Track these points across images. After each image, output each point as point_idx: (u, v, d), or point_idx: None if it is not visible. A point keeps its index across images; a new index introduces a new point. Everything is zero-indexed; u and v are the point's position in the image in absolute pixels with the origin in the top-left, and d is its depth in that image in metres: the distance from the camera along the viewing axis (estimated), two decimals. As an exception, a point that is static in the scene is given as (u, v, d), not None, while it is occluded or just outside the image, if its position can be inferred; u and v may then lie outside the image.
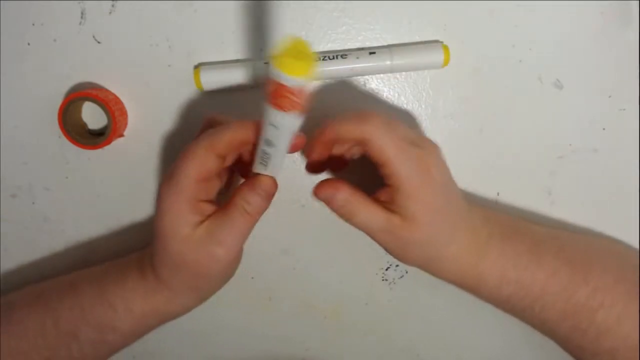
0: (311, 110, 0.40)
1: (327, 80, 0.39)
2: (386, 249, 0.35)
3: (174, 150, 0.40)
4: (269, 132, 0.27)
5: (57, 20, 0.38)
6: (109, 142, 0.38)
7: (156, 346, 0.45)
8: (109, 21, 0.38)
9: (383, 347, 0.44)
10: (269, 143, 0.28)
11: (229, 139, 0.31)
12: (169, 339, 0.45)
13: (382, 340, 0.45)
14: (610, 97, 0.39)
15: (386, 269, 0.43)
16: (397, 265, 0.43)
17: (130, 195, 0.41)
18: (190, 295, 0.36)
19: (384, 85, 0.40)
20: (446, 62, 0.37)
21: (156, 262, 0.34)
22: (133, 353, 0.45)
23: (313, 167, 0.36)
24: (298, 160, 0.41)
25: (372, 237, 0.34)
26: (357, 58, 0.37)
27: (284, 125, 0.26)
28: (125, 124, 0.40)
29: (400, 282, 0.44)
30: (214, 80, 0.37)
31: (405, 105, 0.40)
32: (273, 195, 0.33)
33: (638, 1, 0.38)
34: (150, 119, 0.40)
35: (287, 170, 0.41)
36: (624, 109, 0.40)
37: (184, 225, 0.31)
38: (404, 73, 0.39)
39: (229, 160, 0.33)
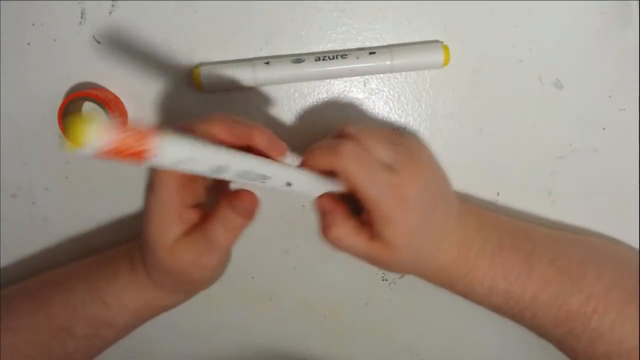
0: (313, 111, 0.40)
1: (327, 80, 0.39)
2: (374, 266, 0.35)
3: (174, 150, 0.40)
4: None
5: (57, 20, 0.38)
6: (109, 142, 0.38)
7: (156, 346, 0.45)
8: (109, 21, 0.38)
9: (383, 347, 0.45)
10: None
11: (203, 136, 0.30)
12: (169, 339, 0.45)
13: (382, 340, 0.45)
14: (610, 97, 0.39)
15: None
16: (397, 265, 0.43)
17: (130, 195, 0.41)
18: (180, 294, 0.37)
19: (384, 85, 0.40)
20: (446, 62, 0.37)
21: (146, 261, 0.34)
22: (133, 353, 0.45)
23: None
24: (298, 160, 0.41)
25: (357, 258, 0.34)
26: (357, 58, 0.37)
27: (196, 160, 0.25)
28: (125, 124, 0.39)
29: (400, 282, 0.44)
30: (213, 80, 0.37)
31: (405, 105, 0.40)
32: (254, 212, 0.33)
33: (638, 1, 0.38)
34: (150, 119, 0.40)
35: (287, 170, 0.41)
36: (624, 109, 0.40)
37: (168, 236, 0.31)
38: (404, 73, 0.39)
39: None
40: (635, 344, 0.34)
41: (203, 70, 0.37)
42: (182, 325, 0.45)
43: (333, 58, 0.37)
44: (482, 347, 0.46)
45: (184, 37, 0.38)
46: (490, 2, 0.38)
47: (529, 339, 0.45)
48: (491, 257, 0.35)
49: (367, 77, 0.39)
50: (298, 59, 0.37)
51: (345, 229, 0.33)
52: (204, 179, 0.33)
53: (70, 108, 0.38)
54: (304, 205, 0.42)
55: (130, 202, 0.42)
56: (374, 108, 0.40)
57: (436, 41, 0.38)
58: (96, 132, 0.21)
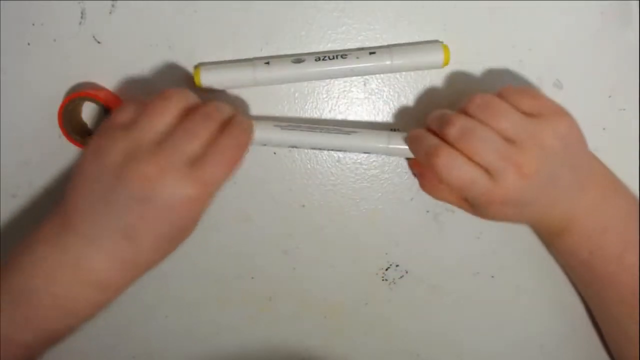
0: (314, 111, 0.40)
1: (327, 80, 0.39)
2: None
3: (174, 150, 0.40)
4: None
5: (57, 20, 0.38)
6: (109, 142, 0.38)
7: (156, 346, 0.45)
8: (109, 21, 0.38)
9: (383, 347, 0.44)
10: None
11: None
12: (168, 340, 0.45)
13: (382, 340, 0.45)
14: (610, 97, 0.39)
15: (386, 269, 0.43)
16: (397, 265, 0.43)
17: (130, 195, 0.41)
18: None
19: (384, 85, 0.40)
20: (446, 62, 0.37)
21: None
22: (133, 353, 0.45)
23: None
24: (298, 160, 0.41)
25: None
26: (357, 58, 0.37)
27: None
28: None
29: (400, 282, 0.44)
30: (213, 79, 0.37)
31: (405, 105, 0.40)
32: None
33: (638, 1, 0.38)
34: (150, 119, 0.40)
35: (287, 170, 0.41)
36: (624, 109, 0.40)
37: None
38: (404, 73, 0.39)
39: None
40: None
41: (203, 70, 0.37)
42: (182, 325, 0.45)
43: (333, 58, 0.37)
44: (482, 347, 0.45)
45: (184, 37, 0.38)
46: (490, 2, 0.38)
47: (529, 339, 0.45)
48: (599, 233, 0.35)
49: (367, 77, 0.39)
50: (298, 59, 0.37)
51: (438, 192, 0.38)
52: None
53: (70, 108, 0.38)
54: (303, 205, 0.42)
55: (130, 202, 0.42)
56: (374, 108, 0.40)
57: (436, 41, 0.38)
58: None
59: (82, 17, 0.38)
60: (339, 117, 0.40)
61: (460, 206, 0.37)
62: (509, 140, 0.31)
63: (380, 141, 0.38)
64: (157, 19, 0.38)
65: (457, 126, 0.32)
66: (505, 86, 0.33)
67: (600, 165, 0.37)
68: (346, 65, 0.37)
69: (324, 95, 0.40)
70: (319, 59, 0.37)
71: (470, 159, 0.31)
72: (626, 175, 0.41)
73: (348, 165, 0.41)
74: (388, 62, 0.37)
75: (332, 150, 0.40)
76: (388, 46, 0.38)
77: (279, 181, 0.41)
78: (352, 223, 0.42)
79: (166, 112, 0.31)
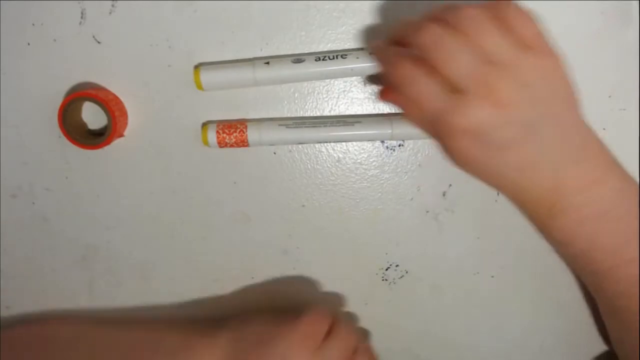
0: (314, 110, 0.40)
1: (327, 80, 0.39)
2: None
3: (174, 150, 0.40)
4: None
5: (57, 20, 0.38)
6: (109, 142, 0.38)
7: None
8: (109, 21, 0.38)
9: (383, 347, 0.44)
10: None
11: None
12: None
13: (382, 340, 0.45)
14: (610, 97, 0.39)
15: (386, 269, 0.43)
16: (397, 265, 0.43)
17: (130, 195, 0.41)
18: None
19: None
20: None
21: None
22: (133, 353, 0.45)
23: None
24: (298, 160, 0.41)
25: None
26: (357, 58, 0.37)
27: None
28: (125, 124, 0.40)
29: (400, 282, 0.44)
30: (214, 80, 0.37)
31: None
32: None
33: (638, 1, 0.38)
34: (150, 119, 0.40)
35: (287, 170, 0.41)
36: (624, 109, 0.40)
37: None
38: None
39: None
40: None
41: (203, 70, 0.37)
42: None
43: (333, 58, 0.37)
44: (482, 347, 0.45)
45: (184, 37, 0.38)
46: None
47: (528, 339, 0.45)
48: (595, 217, 0.31)
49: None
50: (298, 59, 0.37)
51: (407, 112, 0.31)
52: None
53: (70, 108, 0.38)
54: (303, 205, 0.42)
55: (130, 202, 0.42)
56: (374, 108, 0.40)
57: None
58: None
59: (82, 17, 0.38)
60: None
61: (431, 135, 0.31)
62: (487, 61, 0.27)
63: (384, 127, 0.38)
64: (157, 19, 0.38)
65: (429, 34, 0.27)
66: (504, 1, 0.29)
67: (597, 140, 0.32)
68: (346, 65, 0.37)
69: (324, 95, 0.40)
70: (319, 59, 0.37)
71: (437, 72, 0.27)
72: (626, 175, 0.41)
73: (348, 165, 0.41)
74: None
75: (338, 142, 0.40)
76: None
77: (279, 181, 0.41)
78: (352, 223, 0.42)
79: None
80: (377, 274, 0.44)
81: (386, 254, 0.43)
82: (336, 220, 0.42)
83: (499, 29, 0.27)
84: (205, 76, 0.37)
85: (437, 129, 0.29)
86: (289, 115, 0.40)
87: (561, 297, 0.44)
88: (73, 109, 0.38)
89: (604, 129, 0.40)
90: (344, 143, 0.41)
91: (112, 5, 0.37)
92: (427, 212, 0.42)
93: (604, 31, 0.38)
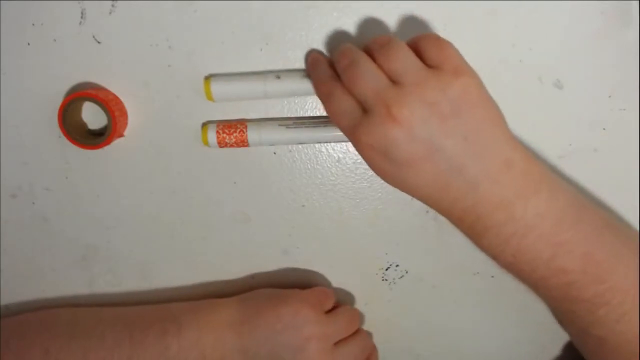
0: (312, 109, 0.40)
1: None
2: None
3: (174, 150, 0.40)
4: None
5: (57, 20, 0.38)
6: (109, 142, 0.38)
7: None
8: (109, 21, 0.38)
9: (383, 347, 0.44)
10: None
11: None
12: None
13: (382, 340, 0.45)
14: (610, 97, 0.39)
15: (386, 269, 0.43)
16: (397, 265, 0.43)
17: (130, 195, 0.41)
18: None
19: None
20: None
21: None
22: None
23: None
24: (298, 160, 0.41)
25: None
26: None
27: None
28: (125, 124, 0.40)
29: (400, 282, 0.44)
30: (224, 91, 0.38)
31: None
32: None
33: (638, 1, 0.38)
34: (150, 119, 0.40)
35: (287, 170, 0.41)
36: (624, 109, 0.40)
37: None
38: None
39: None
40: (635, 337, 0.32)
41: (213, 82, 0.37)
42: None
43: None
44: (482, 347, 0.46)
45: (184, 37, 0.38)
46: (490, 2, 0.38)
47: (529, 339, 0.45)
48: (519, 236, 0.31)
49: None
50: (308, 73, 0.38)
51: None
52: None
53: (70, 108, 0.38)
54: (303, 205, 0.42)
55: (130, 202, 0.42)
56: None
57: None
58: None
59: (82, 17, 0.38)
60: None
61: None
62: (394, 82, 0.30)
63: None
64: (157, 19, 0.38)
65: (345, 56, 0.31)
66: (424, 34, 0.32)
67: (523, 156, 0.32)
68: None
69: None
70: None
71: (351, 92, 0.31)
72: (626, 175, 0.41)
73: (348, 165, 0.41)
74: None
75: (338, 142, 0.40)
76: None
77: (279, 181, 0.41)
78: (352, 223, 0.42)
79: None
80: (377, 274, 0.44)
81: (386, 254, 0.43)
82: (336, 220, 0.42)
83: (409, 53, 0.30)
84: (216, 87, 0.37)
85: (352, 142, 0.32)
86: (289, 115, 0.40)
87: (561, 297, 0.44)
88: (73, 109, 0.38)
89: (604, 129, 0.40)
90: (344, 143, 0.41)
91: (112, 5, 0.37)
92: (427, 212, 0.42)
93: (604, 31, 0.38)
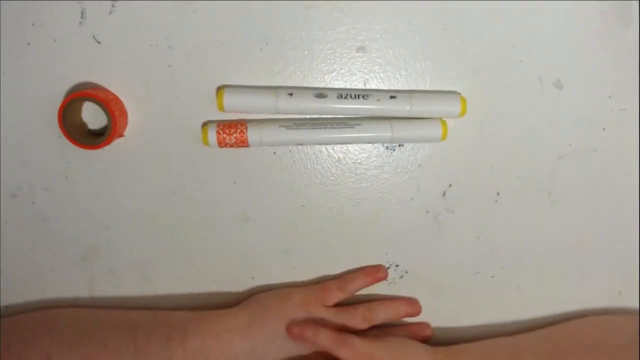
0: (311, 110, 0.40)
1: (327, 80, 0.39)
2: None
3: (174, 150, 0.40)
4: None
5: (57, 20, 0.38)
6: (109, 142, 0.38)
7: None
8: (109, 21, 0.38)
9: (383, 347, 0.44)
10: None
11: None
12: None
13: (382, 340, 0.45)
14: (610, 97, 0.39)
15: (386, 269, 0.43)
16: (397, 265, 0.43)
17: (130, 195, 0.41)
18: None
19: (384, 85, 0.39)
20: (462, 113, 0.38)
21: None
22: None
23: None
24: (298, 160, 0.41)
25: None
26: (378, 100, 0.38)
27: None
28: (125, 124, 0.40)
29: (400, 282, 0.44)
30: (236, 104, 0.38)
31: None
32: None
33: (638, 1, 0.38)
34: (150, 119, 0.40)
35: (287, 170, 0.41)
36: (624, 109, 0.40)
37: None
38: (404, 73, 0.39)
39: None
40: None
41: (227, 93, 0.37)
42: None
43: (355, 97, 0.38)
44: (482, 347, 0.46)
45: (184, 37, 0.38)
46: (490, 2, 0.38)
47: (529, 339, 0.45)
48: None
49: (367, 78, 0.39)
50: (320, 93, 0.38)
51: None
52: None
53: (70, 108, 0.38)
54: (303, 205, 0.42)
55: (130, 202, 0.42)
56: (374, 110, 0.40)
57: (454, 92, 0.39)
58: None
59: (82, 17, 0.38)
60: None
61: None
62: None
63: (384, 129, 0.38)
64: (157, 19, 0.38)
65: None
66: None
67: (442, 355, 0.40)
68: (367, 106, 0.38)
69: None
70: (341, 96, 0.38)
71: None
72: (626, 175, 0.41)
73: (348, 165, 0.41)
74: (407, 108, 0.38)
75: (338, 144, 0.40)
76: (408, 91, 0.39)
77: (279, 181, 0.41)
78: (352, 223, 0.42)
79: None
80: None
81: (386, 254, 0.43)
82: (336, 220, 0.42)
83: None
84: (229, 99, 0.38)
85: None
86: (289, 116, 0.40)
87: (561, 298, 0.44)
88: (73, 109, 0.38)
89: (604, 129, 0.40)
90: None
91: (112, 5, 0.37)
92: (427, 212, 0.42)
93: (604, 31, 0.38)
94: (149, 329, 0.39)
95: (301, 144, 0.40)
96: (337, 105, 0.38)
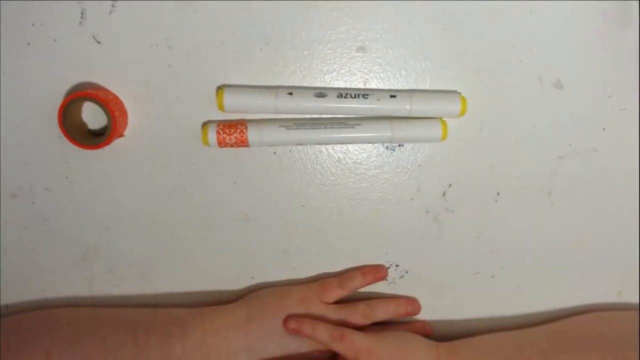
0: (311, 110, 0.40)
1: (327, 80, 0.39)
2: None
3: (174, 150, 0.40)
4: None
5: (57, 20, 0.38)
6: (109, 142, 0.38)
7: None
8: (109, 21, 0.38)
9: (383, 347, 0.44)
10: None
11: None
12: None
13: (382, 340, 0.45)
14: (610, 97, 0.39)
15: (386, 269, 0.43)
16: (397, 265, 0.43)
17: (130, 195, 0.41)
18: None
19: (384, 85, 0.39)
20: (462, 112, 0.38)
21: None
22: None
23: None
24: (298, 160, 0.41)
25: None
26: (378, 100, 0.38)
27: None
28: (125, 124, 0.40)
29: (400, 282, 0.44)
30: (236, 103, 0.38)
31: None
32: None
33: (638, 1, 0.38)
34: (150, 119, 0.40)
35: (287, 170, 0.41)
36: (624, 109, 0.40)
37: None
38: (404, 73, 0.39)
39: None
40: None
41: (226, 93, 0.37)
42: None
43: (355, 97, 0.38)
44: (482, 347, 0.46)
45: (184, 37, 0.38)
46: (490, 2, 0.38)
47: (529, 339, 0.45)
48: None
49: (367, 78, 0.39)
50: (320, 93, 0.38)
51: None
52: None
53: (70, 108, 0.38)
54: (303, 205, 0.42)
55: (130, 202, 0.42)
56: (375, 111, 0.40)
57: (454, 92, 0.39)
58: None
59: (82, 17, 0.38)
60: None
61: None
62: None
63: (384, 129, 0.38)
64: (157, 19, 0.38)
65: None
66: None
67: (443, 349, 0.40)
68: (367, 105, 0.38)
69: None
70: (341, 96, 0.38)
71: None
72: (626, 175, 0.41)
73: (348, 165, 0.41)
74: (407, 107, 0.38)
75: (338, 143, 0.40)
76: (408, 91, 0.39)
77: (279, 181, 0.41)
78: (352, 223, 0.42)
79: None
80: (377, 274, 0.44)
81: (386, 254, 0.43)
82: (336, 220, 0.42)
83: None
84: (228, 99, 0.37)
85: None
86: (289, 116, 0.40)
87: (561, 298, 0.44)
88: (73, 109, 0.38)
89: (604, 129, 0.40)
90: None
91: (112, 5, 0.37)
92: (427, 212, 0.42)
93: (604, 31, 0.38)
94: (148, 326, 0.39)
95: (301, 144, 0.40)
96: (337, 105, 0.38)
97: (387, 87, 0.39)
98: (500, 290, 0.44)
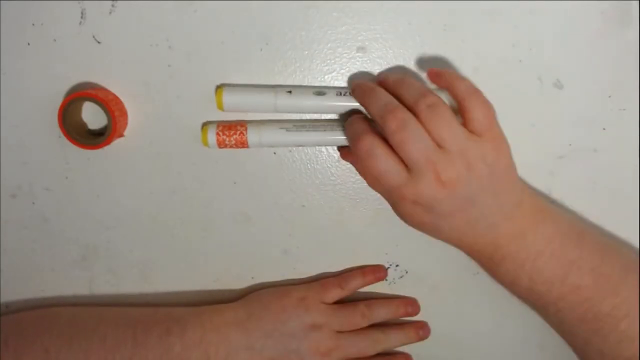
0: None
1: (327, 80, 0.39)
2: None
3: (174, 150, 0.40)
4: None
5: (57, 20, 0.38)
6: (109, 142, 0.38)
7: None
8: (109, 21, 0.38)
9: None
10: None
11: None
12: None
13: (382, 340, 0.45)
14: (610, 97, 0.39)
15: (386, 269, 0.43)
16: (397, 265, 0.43)
17: (130, 195, 0.41)
18: None
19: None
20: None
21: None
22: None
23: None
24: (298, 160, 0.41)
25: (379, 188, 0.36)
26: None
27: None
28: (125, 124, 0.40)
29: (400, 282, 0.44)
30: (235, 102, 0.38)
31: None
32: None
33: (638, 1, 0.38)
34: (150, 119, 0.40)
35: (287, 170, 0.41)
36: (624, 109, 0.40)
37: None
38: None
39: None
40: None
41: (226, 92, 0.37)
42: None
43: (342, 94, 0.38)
44: (483, 348, 0.45)
45: (184, 37, 0.38)
46: (490, 2, 0.38)
47: (529, 339, 0.45)
48: (532, 259, 0.35)
49: (362, 73, 0.39)
50: (320, 91, 0.38)
51: (366, 178, 0.36)
52: None
53: (70, 108, 0.38)
54: (303, 205, 0.42)
55: (130, 202, 0.42)
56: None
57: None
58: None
59: (82, 17, 0.38)
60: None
61: (385, 198, 0.37)
62: (440, 146, 0.32)
63: None
64: (157, 19, 0.38)
65: (397, 120, 0.32)
66: (468, 88, 0.34)
67: (529, 195, 0.37)
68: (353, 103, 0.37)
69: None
70: (340, 94, 0.37)
71: (396, 152, 0.33)
72: (626, 175, 0.41)
73: (348, 165, 0.41)
74: None
75: (338, 145, 0.40)
76: None
77: (279, 181, 0.41)
78: (352, 223, 0.42)
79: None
80: (377, 274, 0.44)
81: (386, 254, 0.43)
82: (336, 220, 0.42)
83: (454, 121, 0.33)
84: (228, 98, 0.37)
85: (391, 196, 0.35)
86: (289, 117, 0.40)
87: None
88: (73, 109, 0.38)
89: (604, 129, 0.40)
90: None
91: (112, 5, 0.37)
92: (427, 212, 0.42)
93: (604, 31, 0.38)
94: (148, 325, 0.39)
95: (301, 146, 0.40)
96: (337, 103, 0.38)
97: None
98: (500, 290, 0.44)
